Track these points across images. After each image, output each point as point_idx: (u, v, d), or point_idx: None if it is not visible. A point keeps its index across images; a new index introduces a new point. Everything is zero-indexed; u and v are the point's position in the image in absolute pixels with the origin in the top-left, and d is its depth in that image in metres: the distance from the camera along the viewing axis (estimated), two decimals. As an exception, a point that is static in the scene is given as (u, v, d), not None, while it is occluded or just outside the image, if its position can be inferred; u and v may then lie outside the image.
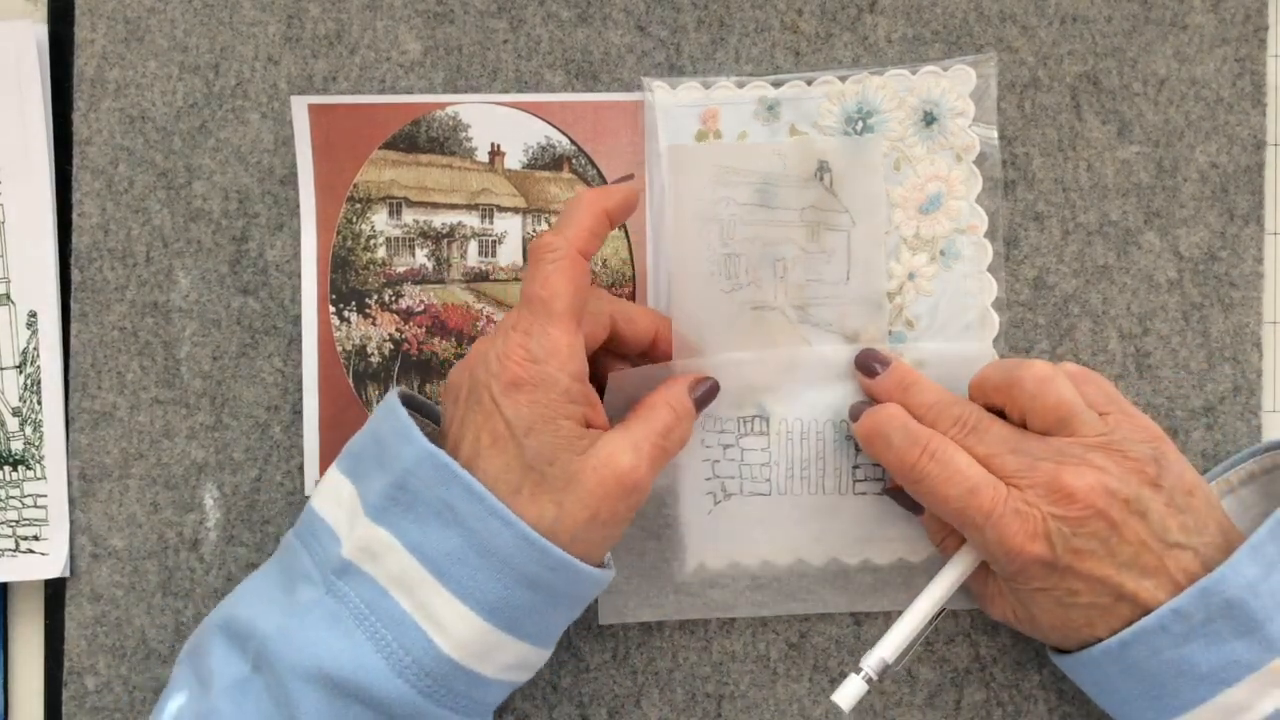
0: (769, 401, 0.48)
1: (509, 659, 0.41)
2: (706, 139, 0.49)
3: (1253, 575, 0.41)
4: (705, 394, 0.46)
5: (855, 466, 0.48)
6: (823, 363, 0.47)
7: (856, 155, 0.43)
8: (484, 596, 0.39)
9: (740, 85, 0.49)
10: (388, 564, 0.40)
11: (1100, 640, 0.43)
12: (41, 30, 0.50)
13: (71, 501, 0.49)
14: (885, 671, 0.43)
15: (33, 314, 0.49)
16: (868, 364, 0.47)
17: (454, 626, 0.39)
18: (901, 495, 0.47)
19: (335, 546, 0.41)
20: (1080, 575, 0.42)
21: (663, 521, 0.48)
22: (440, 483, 0.39)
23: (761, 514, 0.48)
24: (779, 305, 0.47)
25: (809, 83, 0.49)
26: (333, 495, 0.42)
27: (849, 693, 0.42)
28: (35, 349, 0.49)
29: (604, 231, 0.42)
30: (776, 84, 0.49)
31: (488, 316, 0.49)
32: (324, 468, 0.49)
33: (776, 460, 0.48)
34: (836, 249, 0.46)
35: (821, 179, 0.44)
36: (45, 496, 0.50)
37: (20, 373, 0.50)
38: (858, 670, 0.43)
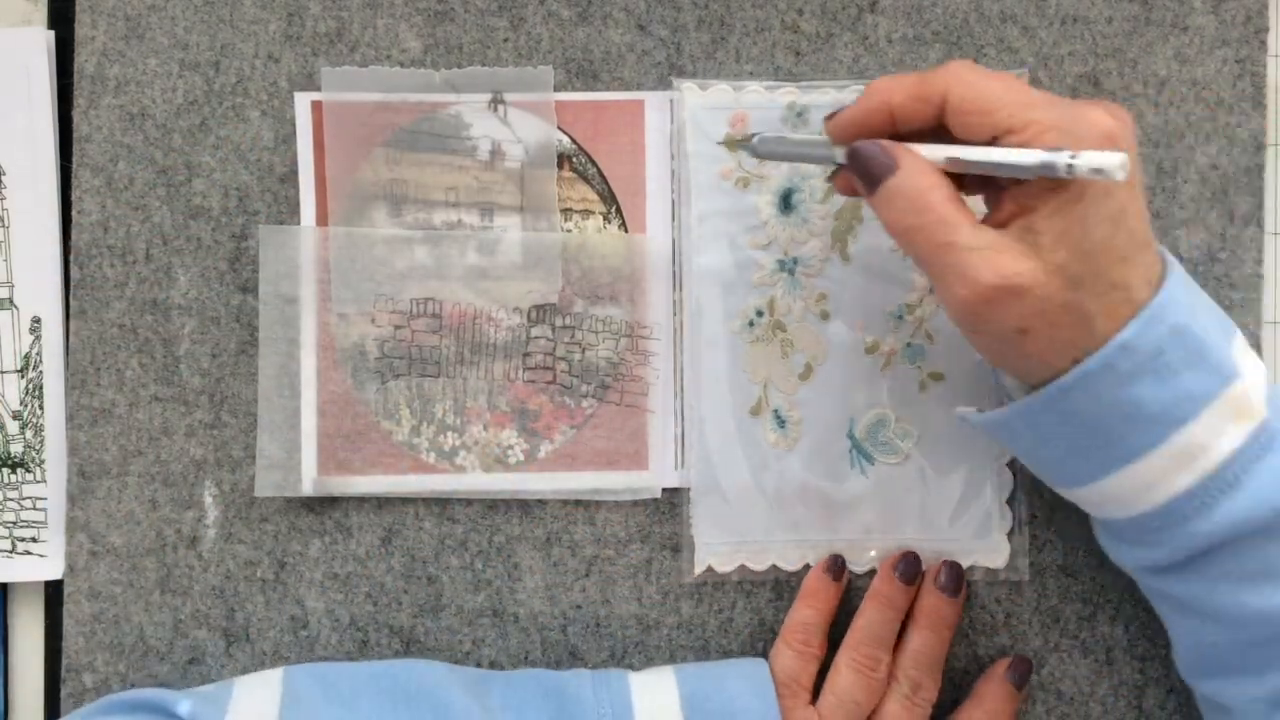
0: (442, 288, 0.47)
1: None
2: (734, 144, 0.49)
3: (1186, 300, 0.38)
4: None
5: (526, 354, 0.48)
6: (503, 248, 0.46)
7: (527, 86, 0.43)
8: None
9: (771, 89, 0.49)
10: None
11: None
12: (51, 37, 0.49)
13: (70, 499, 0.49)
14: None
15: (36, 319, 0.49)
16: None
17: None
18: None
19: None
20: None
21: (326, 397, 0.48)
22: None
23: (429, 392, 0.48)
24: (450, 227, 0.45)
25: (840, 89, 0.49)
26: None
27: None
28: (38, 354, 0.49)
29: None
30: (807, 89, 0.49)
31: (486, 315, 0.49)
32: (322, 466, 0.49)
33: (447, 343, 0.48)
34: (510, 175, 0.45)
35: (495, 110, 0.44)
36: (44, 499, 0.50)
37: (22, 377, 0.50)
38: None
